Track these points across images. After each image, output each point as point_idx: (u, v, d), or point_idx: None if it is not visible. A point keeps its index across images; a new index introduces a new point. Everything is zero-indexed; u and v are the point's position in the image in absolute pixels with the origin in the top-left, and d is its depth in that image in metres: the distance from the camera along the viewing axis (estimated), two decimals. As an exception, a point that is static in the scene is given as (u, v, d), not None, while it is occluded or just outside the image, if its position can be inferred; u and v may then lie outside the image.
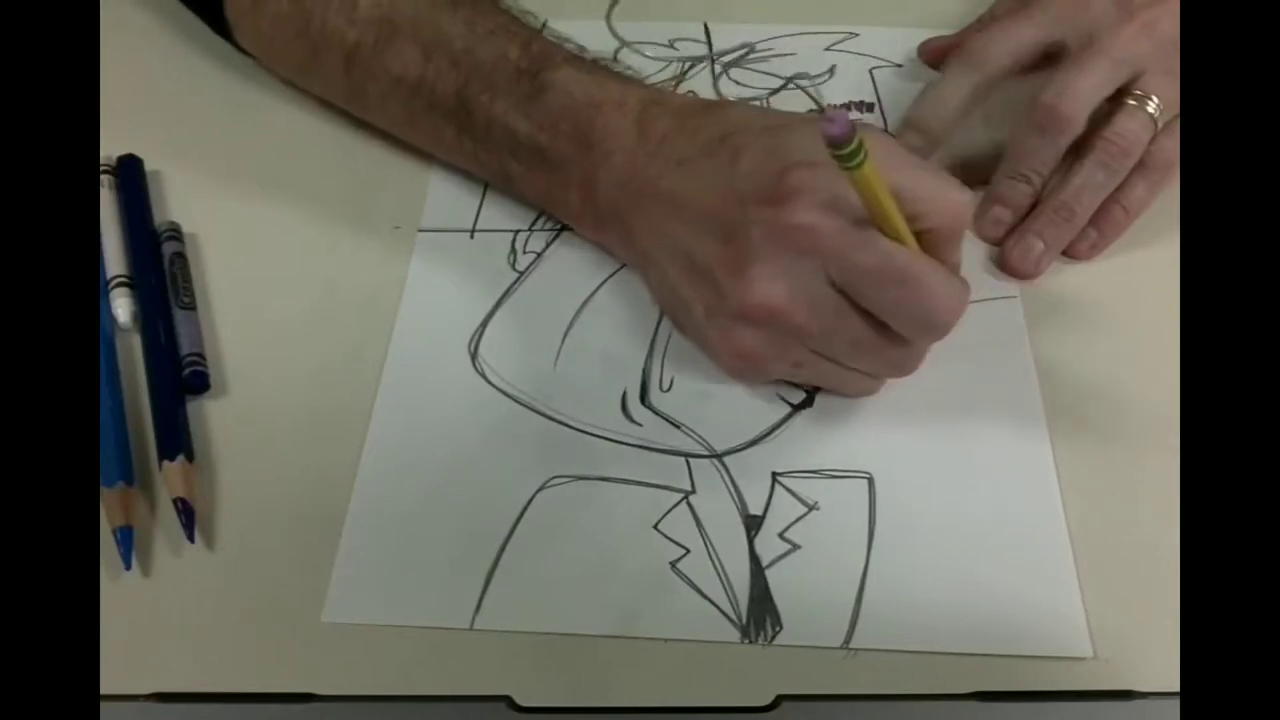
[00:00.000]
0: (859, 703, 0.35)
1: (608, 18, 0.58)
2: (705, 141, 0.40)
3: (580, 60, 0.45)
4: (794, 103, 0.53)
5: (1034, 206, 0.47)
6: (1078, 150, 0.46)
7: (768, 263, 0.37)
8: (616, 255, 0.46)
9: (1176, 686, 0.34)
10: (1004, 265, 0.47)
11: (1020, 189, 0.47)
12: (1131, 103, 0.45)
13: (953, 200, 0.37)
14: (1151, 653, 0.36)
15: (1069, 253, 0.47)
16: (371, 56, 0.46)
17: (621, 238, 0.44)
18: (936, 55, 0.54)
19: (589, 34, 0.56)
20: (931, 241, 0.37)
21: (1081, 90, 0.45)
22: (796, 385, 0.42)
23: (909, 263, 0.36)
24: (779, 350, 0.39)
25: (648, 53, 0.56)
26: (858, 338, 0.38)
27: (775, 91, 0.54)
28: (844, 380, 0.41)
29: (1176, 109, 0.46)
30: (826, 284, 0.37)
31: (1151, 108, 0.45)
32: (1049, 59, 0.48)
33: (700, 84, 0.54)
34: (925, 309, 0.36)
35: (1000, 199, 0.47)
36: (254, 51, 0.51)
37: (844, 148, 0.32)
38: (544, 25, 0.49)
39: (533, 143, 0.43)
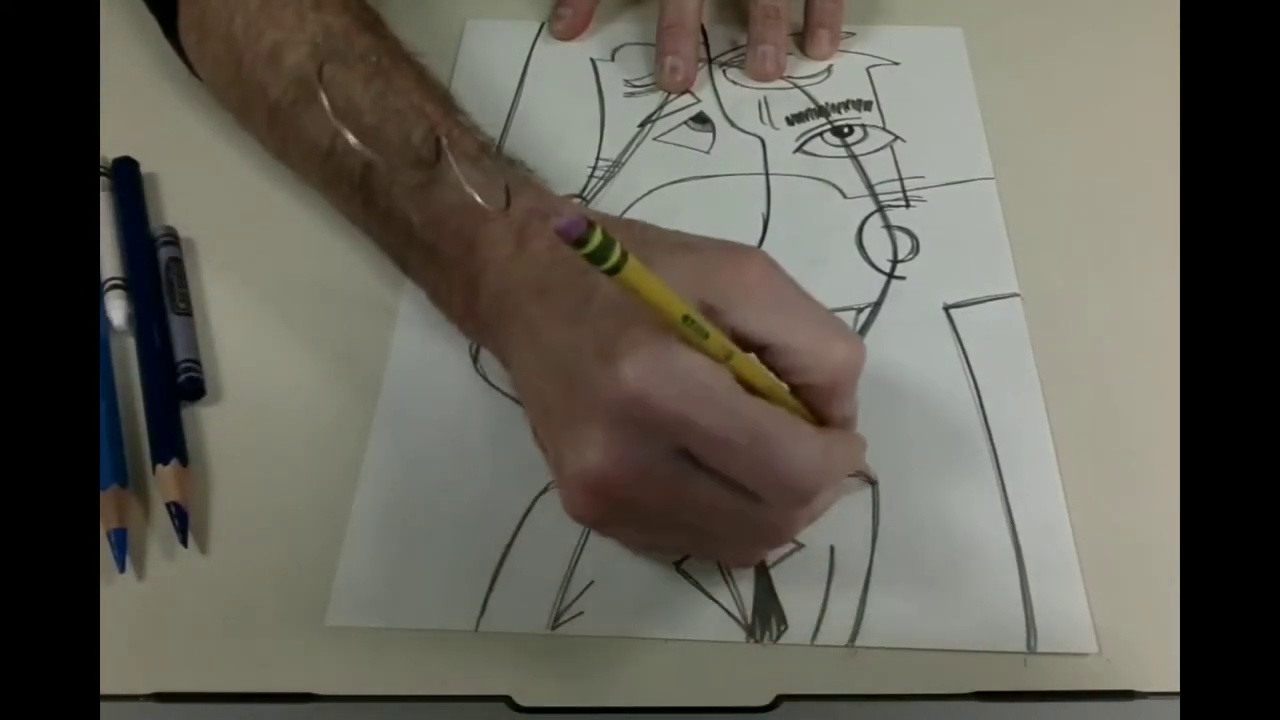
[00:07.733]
0: (859, 703, 0.35)
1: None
2: (573, 269, 0.34)
3: (480, 155, 0.41)
4: (792, 102, 0.53)
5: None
6: None
7: (598, 428, 0.31)
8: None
9: (1177, 687, 0.34)
10: (755, 78, 0.55)
11: (675, 37, 0.54)
12: None
13: (834, 356, 0.33)
14: (1152, 653, 0.36)
15: (812, 54, 0.55)
16: (290, 117, 0.44)
17: (498, 352, 0.40)
18: None
19: (587, 35, 0.57)
20: (812, 396, 0.34)
21: None
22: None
23: (757, 422, 0.31)
24: (621, 519, 0.34)
25: (645, 55, 0.56)
26: (712, 505, 0.32)
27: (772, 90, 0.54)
28: (716, 549, 0.37)
29: None
30: (670, 453, 0.31)
31: None
32: None
33: (699, 84, 0.54)
34: (777, 473, 0.31)
35: (668, 51, 0.54)
36: (208, 90, 0.50)
37: (585, 246, 0.27)
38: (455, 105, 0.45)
39: (424, 237, 0.40)
